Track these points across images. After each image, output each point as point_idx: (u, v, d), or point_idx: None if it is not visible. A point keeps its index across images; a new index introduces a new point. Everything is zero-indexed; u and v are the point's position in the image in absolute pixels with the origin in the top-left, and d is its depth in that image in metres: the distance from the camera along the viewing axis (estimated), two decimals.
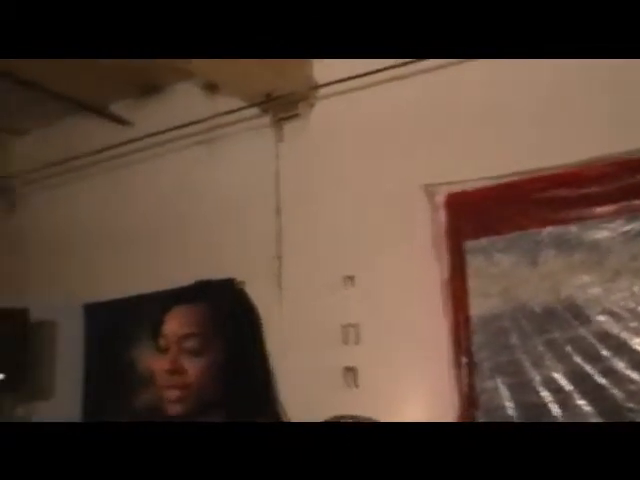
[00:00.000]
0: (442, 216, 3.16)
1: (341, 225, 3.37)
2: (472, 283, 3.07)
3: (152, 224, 3.87)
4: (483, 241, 3.08)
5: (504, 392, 2.94)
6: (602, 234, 2.86)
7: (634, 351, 2.74)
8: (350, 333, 3.28)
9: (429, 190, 3.18)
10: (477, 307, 3.04)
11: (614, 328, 2.79)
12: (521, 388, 2.91)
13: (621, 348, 2.77)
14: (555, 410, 2.83)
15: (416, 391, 3.12)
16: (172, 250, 3.78)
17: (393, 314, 3.20)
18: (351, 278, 3.31)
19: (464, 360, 3.02)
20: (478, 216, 3.10)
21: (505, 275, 3.02)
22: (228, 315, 1.57)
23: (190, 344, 1.51)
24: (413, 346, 3.13)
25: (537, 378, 2.88)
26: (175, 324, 1.54)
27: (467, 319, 3.05)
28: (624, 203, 2.82)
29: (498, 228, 3.05)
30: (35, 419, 3.93)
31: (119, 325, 3.84)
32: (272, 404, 1.56)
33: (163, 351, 1.53)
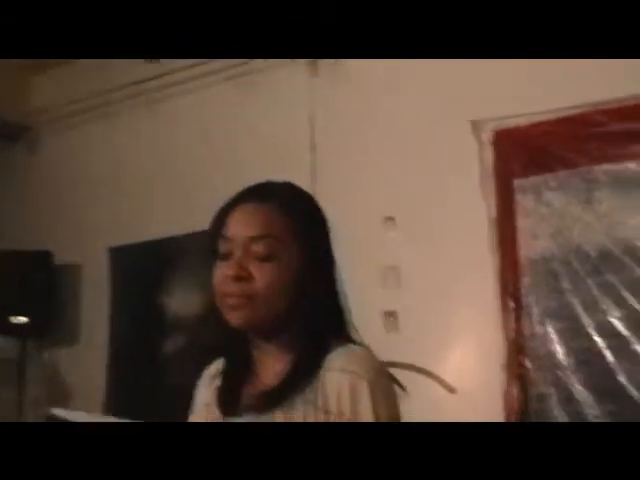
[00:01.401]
0: (490, 153, 2.99)
1: (381, 164, 3.21)
2: (521, 223, 2.92)
3: (182, 165, 3.72)
4: (533, 179, 2.91)
5: (554, 337, 2.80)
6: None
7: None
8: (390, 276, 3.14)
9: (476, 127, 3.01)
10: (526, 249, 2.89)
11: None
12: (573, 333, 2.77)
13: None
14: (609, 356, 2.70)
15: (460, 337, 2.99)
16: (202, 191, 3.63)
17: (436, 256, 3.05)
18: (392, 219, 3.16)
19: (512, 304, 2.88)
20: (528, 153, 2.93)
21: (556, 215, 2.87)
22: (299, 217, 1.37)
23: (259, 247, 1.32)
24: (457, 290, 2.99)
25: (591, 323, 2.74)
26: (241, 225, 1.34)
27: (516, 261, 2.90)
28: None
29: (550, 165, 2.89)
30: (62, 365, 3.83)
31: (147, 269, 3.72)
32: (347, 326, 1.39)
33: (225, 257, 1.34)
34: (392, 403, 1.30)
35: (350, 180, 3.28)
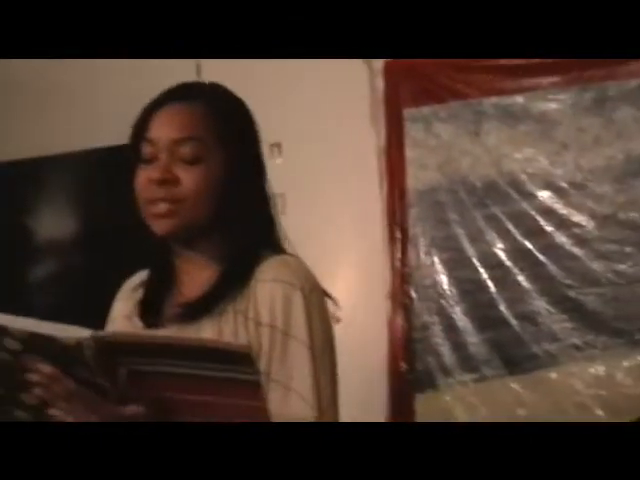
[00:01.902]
0: (381, 82, 2.96)
1: (268, 90, 3.11)
2: (410, 154, 2.91)
3: (52, 83, 3.47)
4: (423, 109, 2.91)
5: (439, 268, 2.84)
6: (550, 105, 2.74)
7: (577, 226, 2.68)
8: (276, 203, 3.07)
9: None
10: (414, 179, 2.90)
11: (557, 203, 2.72)
12: (458, 264, 2.82)
13: (563, 224, 2.70)
14: (492, 286, 2.76)
15: (346, 266, 2.97)
16: (71, 112, 3.42)
17: (323, 184, 3.01)
18: (278, 145, 3.08)
19: (398, 234, 2.89)
20: (419, 83, 2.92)
21: (445, 146, 2.88)
22: (227, 118, 1.30)
23: (185, 150, 1.25)
24: (344, 219, 2.97)
25: (475, 254, 2.79)
26: (166, 126, 1.26)
27: (403, 192, 2.90)
28: (575, 74, 2.71)
29: (440, 96, 2.89)
30: None
31: (9, 191, 3.49)
32: (278, 236, 1.35)
33: (148, 161, 1.26)
34: (325, 316, 1.27)
35: None
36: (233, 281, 1.25)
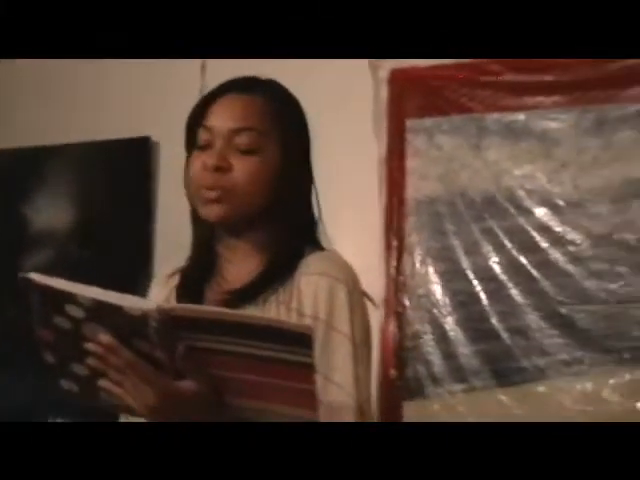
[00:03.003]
0: (385, 92, 2.99)
1: None
2: (411, 164, 2.95)
3: (56, 74, 3.48)
4: (426, 121, 2.95)
5: (434, 278, 2.87)
6: (552, 124, 2.79)
7: (571, 244, 2.72)
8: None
9: (373, 64, 3.00)
10: (414, 189, 2.94)
11: (553, 221, 2.76)
12: (452, 275, 2.85)
13: (559, 241, 2.74)
14: (484, 299, 2.80)
15: None
16: (75, 101, 3.43)
17: (321, 190, 3.03)
18: None
19: (395, 243, 2.93)
20: (423, 94, 2.96)
21: (446, 158, 2.92)
22: (284, 114, 1.35)
23: (241, 139, 1.30)
24: (341, 226, 2.98)
25: (470, 266, 2.83)
26: (224, 115, 1.31)
27: (402, 201, 2.94)
28: (579, 94, 2.76)
29: (443, 109, 2.93)
30: None
31: (10, 178, 3.49)
32: (319, 234, 1.40)
33: (204, 147, 1.31)
34: (365, 312, 1.31)
35: None
36: (279, 272, 1.30)
